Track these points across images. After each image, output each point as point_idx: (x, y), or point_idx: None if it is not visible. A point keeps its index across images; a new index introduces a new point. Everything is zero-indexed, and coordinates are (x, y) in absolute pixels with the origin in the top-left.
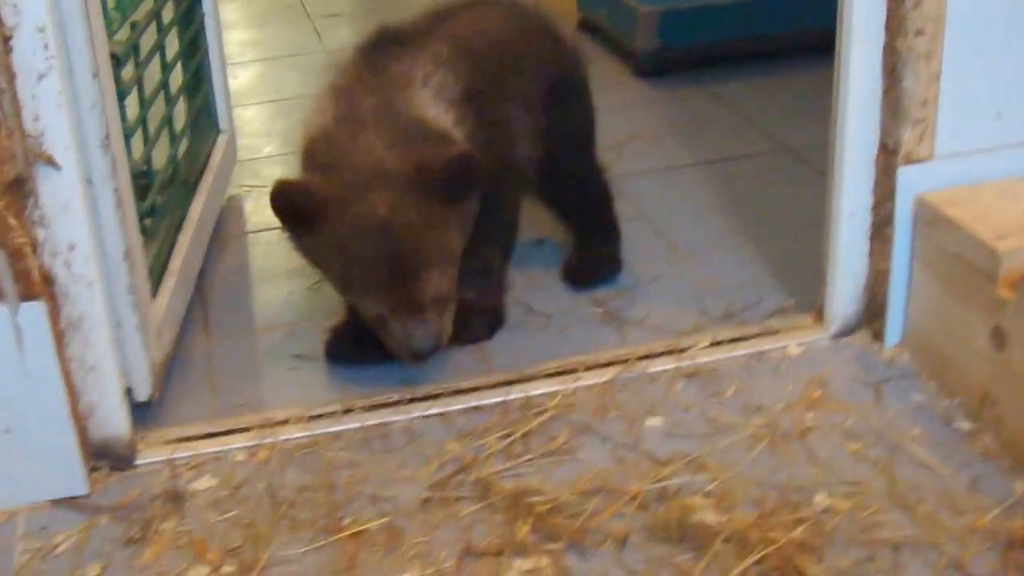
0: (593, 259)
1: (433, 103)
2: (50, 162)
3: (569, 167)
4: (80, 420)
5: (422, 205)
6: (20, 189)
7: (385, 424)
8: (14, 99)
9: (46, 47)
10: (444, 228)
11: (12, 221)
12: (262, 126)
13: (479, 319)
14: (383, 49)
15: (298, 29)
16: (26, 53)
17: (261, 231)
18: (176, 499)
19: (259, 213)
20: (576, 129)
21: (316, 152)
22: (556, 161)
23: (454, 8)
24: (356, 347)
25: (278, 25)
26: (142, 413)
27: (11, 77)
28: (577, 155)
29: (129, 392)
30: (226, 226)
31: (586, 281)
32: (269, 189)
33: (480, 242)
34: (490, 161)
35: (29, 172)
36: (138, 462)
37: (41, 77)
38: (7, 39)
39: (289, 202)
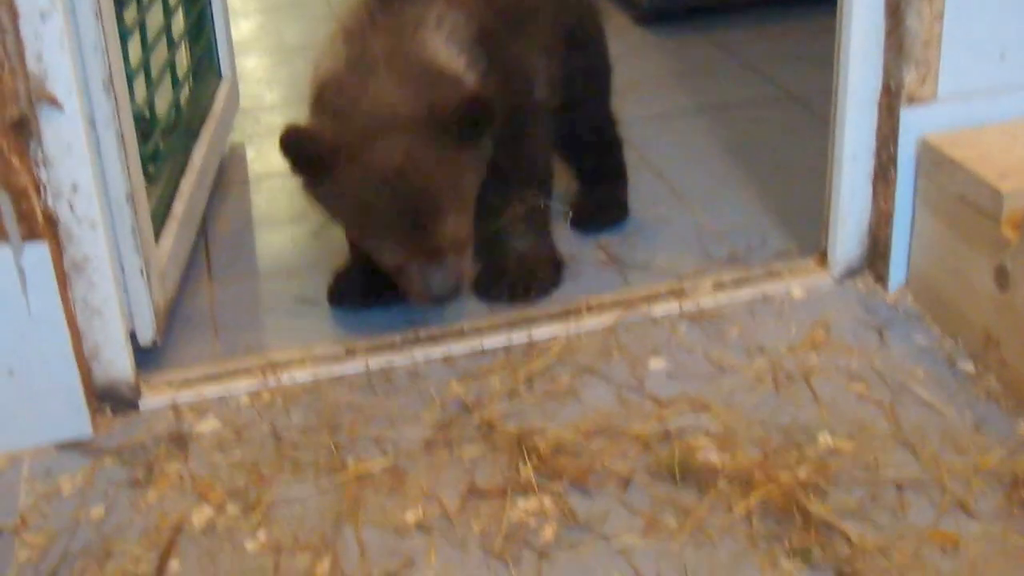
0: (602, 204)
1: (445, 45)
2: (53, 102)
3: (585, 113)
4: (84, 362)
5: (436, 149)
6: (23, 129)
7: (388, 366)
8: (17, 38)
9: None
10: (458, 171)
11: (15, 161)
12: (264, 75)
13: (543, 270)
14: None
15: None
16: None
17: (263, 178)
18: (180, 441)
19: (261, 160)
20: (593, 75)
21: (326, 96)
22: (572, 107)
23: None
24: (359, 291)
25: None
26: (145, 356)
27: (14, 16)
28: (593, 102)
29: (133, 335)
30: (228, 173)
31: (594, 226)
32: (279, 134)
33: (519, 184)
34: (508, 100)
35: (32, 112)
36: (142, 405)
37: (44, 16)
38: None
39: (299, 148)
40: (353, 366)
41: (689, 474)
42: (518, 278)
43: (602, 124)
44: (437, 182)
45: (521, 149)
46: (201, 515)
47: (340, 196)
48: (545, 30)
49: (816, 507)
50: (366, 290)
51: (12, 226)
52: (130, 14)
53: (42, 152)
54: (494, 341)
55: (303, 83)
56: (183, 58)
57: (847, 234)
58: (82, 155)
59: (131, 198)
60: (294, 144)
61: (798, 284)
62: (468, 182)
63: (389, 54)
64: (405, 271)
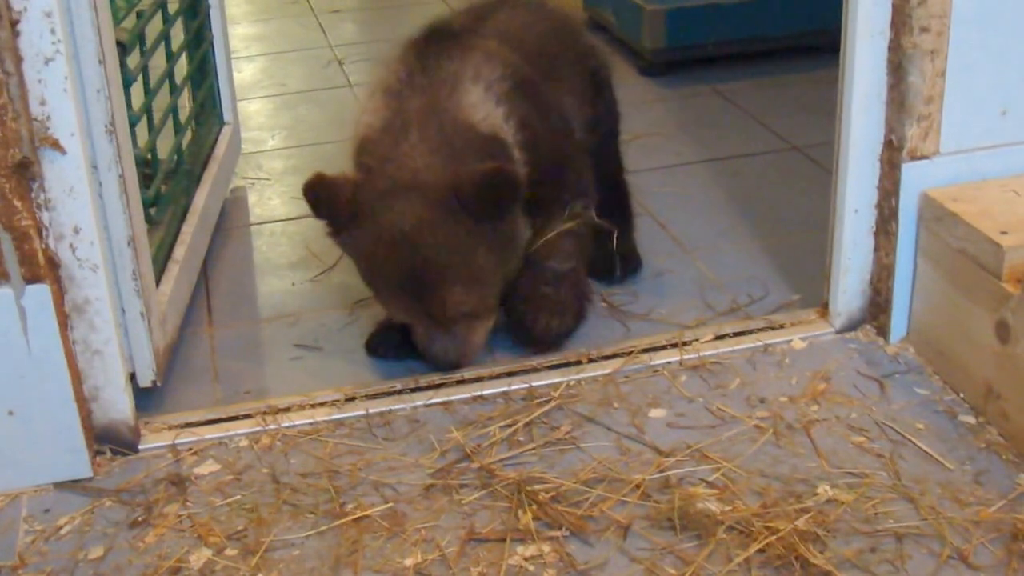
0: (620, 255)
1: (483, 100)
2: (55, 146)
3: (602, 159)
4: (84, 403)
5: (449, 220)
6: (26, 172)
7: (388, 412)
8: (21, 83)
9: (53, 32)
10: (474, 246)
11: (17, 204)
12: (266, 120)
13: (562, 313)
14: (435, 46)
15: (302, 24)
16: (33, 37)
17: (264, 223)
18: (179, 483)
19: (263, 205)
20: (607, 122)
21: (363, 153)
22: (592, 152)
23: (487, 7)
24: (395, 343)
25: (283, 20)
26: (145, 399)
27: (18, 61)
28: (609, 148)
29: (133, 377)
30: (230, 217)
31: (615, 277)
32: (306, 180)
33: (568, 198)
34: (551, 140)
35: (35, 155)
36: (141, 447)
37: (48, 61)
38: (15, 23)
39: (320, 196)
40: (353, 411)
41: (689, 523)
42: (543, 324)
43: (616, 168)
44: (446, 252)
45: (565, 174)
46: (200, 557)
47: (354, 249)
48: (572, 75)
49: (815, 557)
50: (402, 342)
51: (14, 267)
52: (133, 59)
53: (44, 195)
54: (494, 389)
55: (304, 128)
56: (186, 103)
57: (848, 286)
58: (84, 198)
59: (132, 241)
60: (315, 191)
61: (799, 336)
62: (486, 257)
63: (424, 115)
64: (415, 330)
